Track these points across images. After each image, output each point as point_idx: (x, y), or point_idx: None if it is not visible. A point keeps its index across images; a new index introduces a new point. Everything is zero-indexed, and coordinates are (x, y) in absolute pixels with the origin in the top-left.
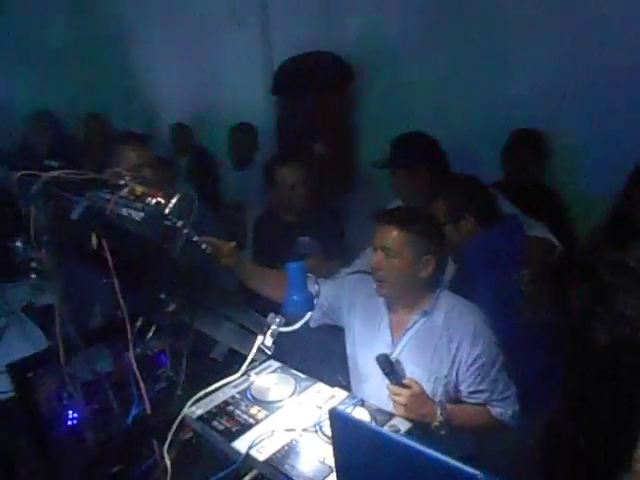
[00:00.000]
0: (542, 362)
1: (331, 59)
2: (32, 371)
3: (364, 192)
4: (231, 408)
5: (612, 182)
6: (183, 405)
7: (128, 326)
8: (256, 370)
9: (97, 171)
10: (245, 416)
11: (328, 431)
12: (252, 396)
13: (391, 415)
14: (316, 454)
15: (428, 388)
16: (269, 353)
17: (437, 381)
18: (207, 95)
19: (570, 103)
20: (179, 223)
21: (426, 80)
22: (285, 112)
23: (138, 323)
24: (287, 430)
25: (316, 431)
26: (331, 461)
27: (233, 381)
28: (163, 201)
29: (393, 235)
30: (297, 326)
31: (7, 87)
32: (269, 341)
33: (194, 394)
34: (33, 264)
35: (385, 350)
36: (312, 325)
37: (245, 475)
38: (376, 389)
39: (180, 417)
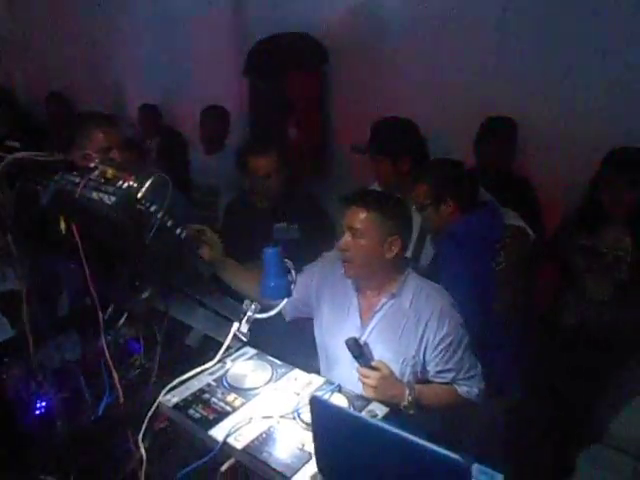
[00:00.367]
0: (514, 345)
1: (305, 40)
2: None
3: (341, 176)
4: (207, 396)
5: (583, 169)
6: (158, 393)
7: (100, 313)
8: (232, 357)
9: (62, 153)
10: (222, 404)
11: (307, 418)
12: (228, 383)
13: (368, 400)
14: (295, 441)
15: (397, 369)
16: (245, 340)
17: (405, 362)
18: (177, 76)
19: (539, 90)
20: (152, 207)
21: (403, 63)
22: (258, 94)
23: (109, 310)
24: (265, 417)
25: (294, 418)
26: (310, 447)
27: (209, 368)
28: (135, 185)
29: (360, 216)
30: (272, 313)
31: None
32: (245, 328)
33: (168, 382)
34: None
35: (354, 333)
36: (287, 319)
37: (223, 463)
38: (346, 373)
39: (155, 405)
